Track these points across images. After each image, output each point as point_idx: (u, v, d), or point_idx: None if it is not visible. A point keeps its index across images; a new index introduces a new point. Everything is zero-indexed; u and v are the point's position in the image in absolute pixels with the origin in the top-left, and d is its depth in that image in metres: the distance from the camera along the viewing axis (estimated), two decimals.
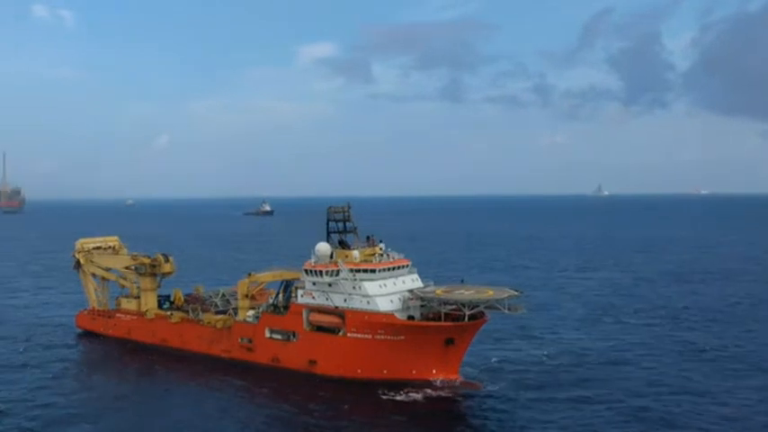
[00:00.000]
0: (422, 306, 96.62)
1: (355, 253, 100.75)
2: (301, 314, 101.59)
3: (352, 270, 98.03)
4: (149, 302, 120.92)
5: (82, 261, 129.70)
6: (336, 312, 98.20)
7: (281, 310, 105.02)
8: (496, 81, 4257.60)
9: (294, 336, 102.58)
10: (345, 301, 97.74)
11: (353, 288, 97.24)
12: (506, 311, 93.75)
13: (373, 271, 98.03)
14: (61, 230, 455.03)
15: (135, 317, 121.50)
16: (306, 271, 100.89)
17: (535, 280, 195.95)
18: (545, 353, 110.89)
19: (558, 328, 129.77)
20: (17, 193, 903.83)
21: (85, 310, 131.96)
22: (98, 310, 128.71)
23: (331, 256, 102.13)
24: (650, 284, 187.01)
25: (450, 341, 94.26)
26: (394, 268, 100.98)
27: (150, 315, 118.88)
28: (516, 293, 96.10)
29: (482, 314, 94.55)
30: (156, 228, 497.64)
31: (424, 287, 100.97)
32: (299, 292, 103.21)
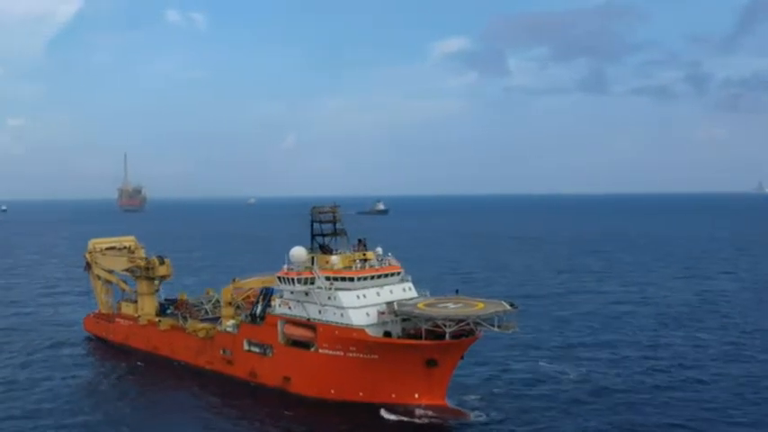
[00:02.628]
0: (404, 321, 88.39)
1: (334, 258, 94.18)
2: (276, 326, 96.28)
3: (328, 278, 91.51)
4: (146, 307, 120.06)
5: (90, 262, 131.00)
6: (309, 325, 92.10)
7: (258, 320, 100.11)
8: (643, 71, 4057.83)
9: (270, 349, 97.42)
10: (320, 312, 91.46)
11: (328, 298, 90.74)
12: (496, 329, 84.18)
13: (351, 279, 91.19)
14: (177, 229, 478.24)
15: (132, 322, 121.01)
16: (279, 278, 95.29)
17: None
18: (571, 375, 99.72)
19: (614, 348, 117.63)
20: (138, 191, 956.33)
21: (93, 313, 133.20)
22: (102, 314, 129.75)
23: (312, 262, 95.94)
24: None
25: (431, 362, 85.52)
26: (379, 276, 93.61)
27: (143, 321, 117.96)
28: (510, 309, 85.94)
29: (471, 332, 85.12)
30: (261, 225, 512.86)
31: (411, 298, 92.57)
32: (277, 301, 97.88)
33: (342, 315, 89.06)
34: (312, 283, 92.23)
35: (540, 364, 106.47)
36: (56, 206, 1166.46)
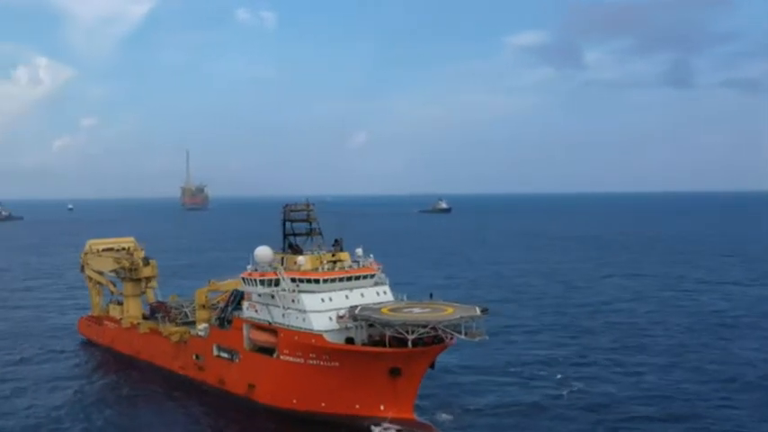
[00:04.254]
0: (370, 327, 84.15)
1: (300, 259, 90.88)
2: (242, 330, 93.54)
3: (294, 279, 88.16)
4: (131, 309, 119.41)
5: (83, 263, 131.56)
6: (271, 329, 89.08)
7: (226, 324, 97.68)
8: (730, 62, 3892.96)
9: (237, 355, 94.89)
10: (284, 316, 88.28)
11: (292, 301, 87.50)
12: (463, 337, 79.08)
13: (316, 281, 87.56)
14: (235, 228, 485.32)
15: (117, 325, 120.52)
16: (243, 280, 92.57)
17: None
18: (573, 389, 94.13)
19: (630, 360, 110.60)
20: (201, 190, 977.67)
21: (86, 315, 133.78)
22: (93, 317, 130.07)
23: (282, 262, 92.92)
24: None
25: (395, 371, 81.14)
26: (349, 278, 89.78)
27: (126, 323, 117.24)
28: (479, 315, 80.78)
29: (440, 339, 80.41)
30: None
31: (379, 303, 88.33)
32: (245, 304, 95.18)
33: (303, 319, 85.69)
34: (277, 285, 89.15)
35: (528, 376, 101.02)
36: (122, 205, 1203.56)
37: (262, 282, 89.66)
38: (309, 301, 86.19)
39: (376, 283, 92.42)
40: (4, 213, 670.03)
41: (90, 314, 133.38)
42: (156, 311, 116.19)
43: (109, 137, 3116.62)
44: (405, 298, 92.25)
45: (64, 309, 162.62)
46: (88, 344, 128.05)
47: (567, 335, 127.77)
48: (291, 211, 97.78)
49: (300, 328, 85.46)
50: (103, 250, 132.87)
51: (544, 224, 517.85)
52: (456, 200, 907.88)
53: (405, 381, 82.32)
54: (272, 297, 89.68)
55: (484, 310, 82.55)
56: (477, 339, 79.93)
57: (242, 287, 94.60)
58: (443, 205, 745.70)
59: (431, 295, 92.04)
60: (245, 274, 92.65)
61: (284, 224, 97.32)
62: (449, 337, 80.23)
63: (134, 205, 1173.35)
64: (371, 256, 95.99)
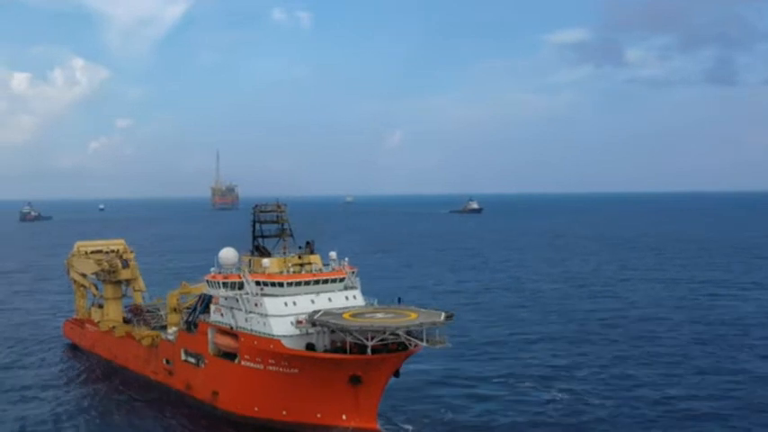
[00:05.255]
0: (333, 332, 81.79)
1: (265, 261, 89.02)
2: (207, 334, 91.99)
3: (258, 282, 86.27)
4: (111, 312, 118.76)
5: (67, 265, 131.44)
6: (233, 334, 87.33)
7: (192, 328, 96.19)
8: None
9: (202, 360, 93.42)
10: (246, 320, 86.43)
11: (255, 305, 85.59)
12: (424, 344, 76.44)
13: (280, 284, 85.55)
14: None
15: (97, 328, 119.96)
16: (207, 282, 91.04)
17: None
18: (557, 407, 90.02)
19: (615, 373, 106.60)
20: (231, 190, 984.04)
21: (70, 318, 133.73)
22: (77, 320, 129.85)
23: (250, 265, 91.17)
24: None
25: (355, 379, 78.78)
26: (316, 282, 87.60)
27: (104, 327, 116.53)
28: (441, 321, 78.07)
29: (404, 346, 77.97)
30: (340, 225, 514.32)
31: (342, 308, 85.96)
32: (213, 307, 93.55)
33: (264, 324, 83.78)
34: (241, 288, 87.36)
35: (516, 391, 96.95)
36: (154, 205, 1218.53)
37: (225, 284, 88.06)
38: (272, 304, 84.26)
39: (346, 287, 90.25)
40: (33, 214, 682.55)
41: (74, 317, 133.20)
42: (132, 315, 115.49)
43: (143, 137, 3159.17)
44: (375, 303, 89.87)
45: (60, 311, 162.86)
46: (72, 347, 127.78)
47: (568, 345, 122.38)
48: (261, 211, 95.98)
49: (261, 332, 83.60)
50: (91, 252, 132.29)
51: (577, 225, 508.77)
52: (489, 200, 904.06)
53: (366, 389, 79.94)
54: (237, 300, 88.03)
55: (449, 317, 79.83)
56: (438, 347, 77.35)
57: (207, 290, 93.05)
58: (474, 205, 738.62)
59: (399, 300, 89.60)
60: (209, 277, 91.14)
61: (253, 225, 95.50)
62: (413, 344, 77.81)
63: (165, 205, 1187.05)
64: (346, 259, 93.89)
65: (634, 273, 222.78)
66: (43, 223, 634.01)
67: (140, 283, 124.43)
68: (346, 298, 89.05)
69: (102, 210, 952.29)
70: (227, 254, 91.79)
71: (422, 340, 76.62)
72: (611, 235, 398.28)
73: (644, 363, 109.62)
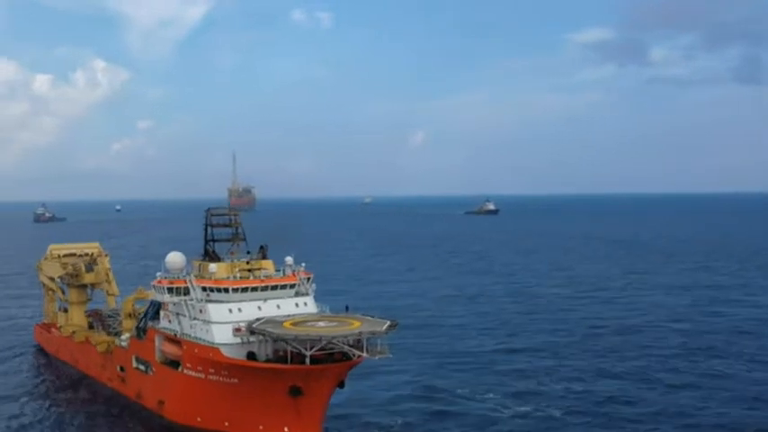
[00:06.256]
0: (276, 341, 79.91)
1: (211, 266, 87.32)
2: (154, 341, 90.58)
3: (204, 288, 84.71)
4: (75, 317, 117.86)
5: (38, 268, 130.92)
6: (177, 341, 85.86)
7: (142, 334, 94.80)
8: None
9: (150, 368, 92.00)
10: (191, 327, 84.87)
11: (200, 311, 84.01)
12: (365, 355, 74.49)
13: (226, 290, 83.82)
14: (280, 228, 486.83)
15: (60, 333, 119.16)
16: (154, 287, 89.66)
17: None
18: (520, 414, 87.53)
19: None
20: (247, 191, 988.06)
21: (40, 322, 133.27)
22: (45, 324, 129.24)
23: (199, 270, 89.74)
24: None
25: (295, 390, 76.82)
26: (264, 288, 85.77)
27: (66, 332, 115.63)
28: (381, 331, 75.93)
29: (347, 356, 76.12)
30: (349, 227, 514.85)
31: (285, 315, 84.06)
32: (162, 313, 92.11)
33: (207, 331, 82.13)
34: (187, 294, 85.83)
35: (479, 409, 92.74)
36: (171, 206, 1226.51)
37: (170, 290, 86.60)
38: (215, 311, 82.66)
39: (297, 294, 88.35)
40: (47, 215, 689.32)
41: (43, 321, 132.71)
42: (93, 320, 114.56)
43: (164, 138, 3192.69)
44: (327, 310, 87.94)
45: (36, 315, 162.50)
46: (41, 351, 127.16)
47: (548, 358, 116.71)
48: (213, 215, 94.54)
49: (203, 340, 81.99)
50: (64, 256, 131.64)
51: (596, 227, 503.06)
52: (509, 201, 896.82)
53: (308, 401, 77.92)
54: (184, 306, 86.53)
55: (392, 326, 77.72)
56: (377, 357, 75.25)
57: (154, 296, 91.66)
58: (490, 206, 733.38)
59: (346, 308, 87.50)
60: (155, 282, 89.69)
61: (206, 229, 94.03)
62: (355, 354, 75.84)
63: (182, 206, 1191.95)
64: (303, 264, 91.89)
65: (639, 278, 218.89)
66: (57, 224, 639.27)
67: (113, 288, 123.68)
68: (296, 305, 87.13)
69: (118, 211, 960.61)
70: (174, 258, 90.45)
71: (362, 350, 74.70)
72: (627, 238, 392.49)
73: (623, 378, 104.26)
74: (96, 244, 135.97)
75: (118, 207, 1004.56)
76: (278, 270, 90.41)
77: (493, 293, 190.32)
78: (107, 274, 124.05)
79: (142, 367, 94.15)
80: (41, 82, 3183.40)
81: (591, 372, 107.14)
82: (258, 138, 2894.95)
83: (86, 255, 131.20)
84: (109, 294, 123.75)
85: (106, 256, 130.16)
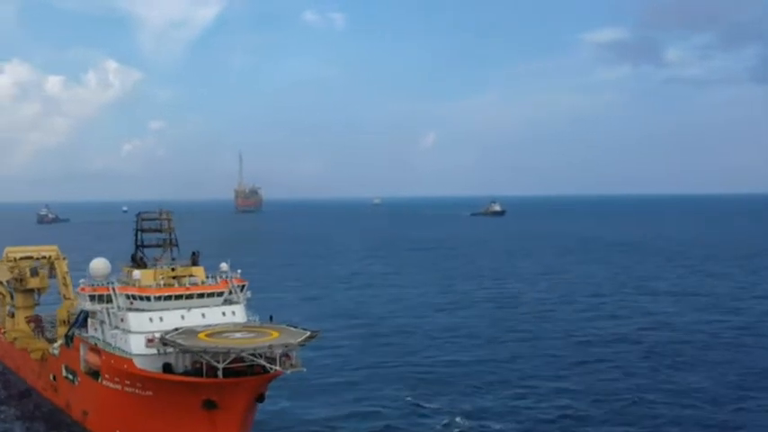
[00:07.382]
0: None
1: (135, 273, 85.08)
2: (80, 350, 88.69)
3: (128, 296, 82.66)
4: (20, 322, 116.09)
5: None
6: (97, 351, 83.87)
7: (69, 343, 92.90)
8: None
9: (76, 377, 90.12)
10: (112, 336, 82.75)
11: (121, 320, 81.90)
12: (276, 368, 72.09)
13: (147, 298, 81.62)
14: (287, 230, 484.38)
15: (4, 338, 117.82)
16: (78, 295, 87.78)
17: None
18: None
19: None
20: (254, 192, 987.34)
21: None
22: None
23: (129, 276, 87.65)
24: None
25: (209, 404, 74.43)
26: (189, 296, 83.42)
27: (9, 337, 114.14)
28: (294, 344, 73.38)
29: (264, 369, 73.71)
30: (350, 229, 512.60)
31: (203, 325, 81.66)
32: (90, 321, 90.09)
33: (125, 341, 79.95)
34: (109, 302, 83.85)
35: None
36: (178, 207, 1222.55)
37: (92, 297, 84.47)
38: (135, 320, 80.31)
39: (225, 302, 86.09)
40: (50, 216, 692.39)
41: None
42: (34, 325, 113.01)
43: (173, 139, 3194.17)
44: (257, 319, 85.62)
45: None
46: None
47: (509, 371, 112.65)
48: (144, 219, 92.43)
49: (120, 350, 79.89)
50: (20, 258, 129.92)
51: (601, 229, 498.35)
52: (518, 202, 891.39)
53: (224, 415, 75.18)
54: (107, 315, 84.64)
55: (310, 337, 75.32)
56: (289, 371, 72.68)
57: (79, 303, 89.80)
58: (496, 207, 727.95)
59: (270, 318, 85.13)
60: (79, 289, 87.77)
61: (136, 234, 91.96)
62: (273, 368, 73.47)
63: (190, 207, 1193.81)
64: (238, 271, 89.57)
65: (638, 282, 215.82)
66: (60, 226, 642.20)
67: (70, 292, 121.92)
68: (223, 314, 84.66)
69: (125, 212, 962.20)
70: (97, 265, 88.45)
71: (275, 363, 72.36)
72: (635, 240, 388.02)
73: (574, 398, 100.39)
74: (55, 247, 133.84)
75: (125, 208, 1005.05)
76: (209, 277, 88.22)
77: (474, 300, 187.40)
78: (64, 278, 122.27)
79: (70, 377, 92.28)
80: (54, 83, 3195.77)
81: (541, 389, 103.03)
82: (267, 138, 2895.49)
83: (43, 258, 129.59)
84: (66, 299, 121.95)
85: (64, 259, 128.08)
